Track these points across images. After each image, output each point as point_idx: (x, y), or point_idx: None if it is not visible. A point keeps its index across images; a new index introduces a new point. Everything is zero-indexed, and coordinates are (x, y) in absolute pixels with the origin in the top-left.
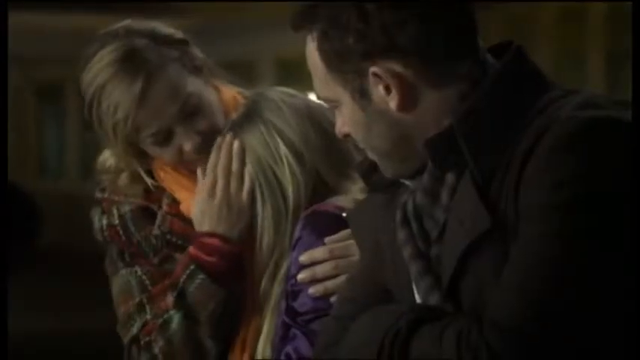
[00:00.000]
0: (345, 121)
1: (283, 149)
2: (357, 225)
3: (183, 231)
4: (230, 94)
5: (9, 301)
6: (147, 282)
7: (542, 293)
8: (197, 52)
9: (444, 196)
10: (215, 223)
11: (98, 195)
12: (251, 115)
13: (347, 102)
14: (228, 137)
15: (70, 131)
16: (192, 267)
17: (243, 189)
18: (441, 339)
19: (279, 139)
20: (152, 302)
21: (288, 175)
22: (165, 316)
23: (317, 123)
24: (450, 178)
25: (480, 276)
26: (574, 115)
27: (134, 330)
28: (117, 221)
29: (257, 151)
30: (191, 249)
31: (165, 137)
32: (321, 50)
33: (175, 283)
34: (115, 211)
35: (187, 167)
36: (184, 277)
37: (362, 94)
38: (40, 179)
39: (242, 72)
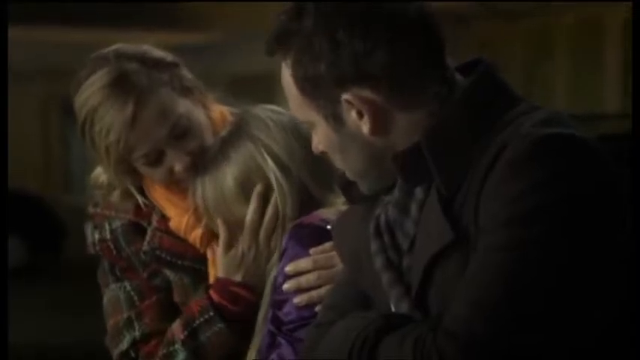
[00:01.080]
0: (321, 141)
1: (271, 165)
2: (339, 235)
3: (171, 247)
4: (218, 111)
5: (9, 306)
6: (135, 298)
7: (491, 304)
8: (187, 72)
9: (414, 210)
10: (250, 275)
11: (91, 209)
12: (239, 132)
13: (321, 125)
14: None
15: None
16: (211, 313)
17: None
18: (401, 346)
19: (266, 155)
20: (140, 319)
21: (276, 190)
22: (171, 348)
23: (302, 138)
24: (419, 192)
25: (446, 286)
26: (531, 132)
27: (124, 345)
28: (108, 236)
29: (246, 168)
30: (213, 295)
31: (156, 158)
32: (295, 76)
33: (189, 321)
34: (106, 226)
35: (177, 185)
36: (201, 320)
37: (335, 119)
38: (65, 194)
39: (262, 86)
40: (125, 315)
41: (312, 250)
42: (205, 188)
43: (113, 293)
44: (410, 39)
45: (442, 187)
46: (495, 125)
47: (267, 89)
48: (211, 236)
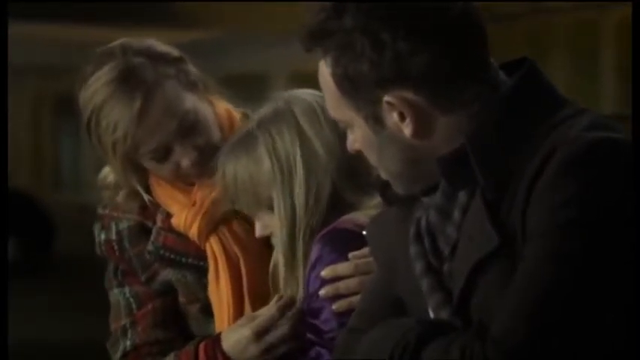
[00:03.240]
0: (357, 139)
1: (298, 155)
2: (373, 238)
3: (175, 245)
4: (223, 108)
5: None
6: (133, 305)
7: (535, 314)
8: (192, 68)
9: (456, 214)
10: (238, 355)
11: (99, 211)
12: (281, 113)
13: (360, 125)
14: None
15: (86, 143)
16: None
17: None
18: (446, 354)
19: (297, 143)
20: (134, 328)
21: (299, 180)
22: None
23: (340, 133)
24: (462, 196)
25: (489, 292)
26: (581, 136)
27: (118, 355)
28: (114, 236)
29: (278, 153)
30: (201, 353)
31: (163, 154)
32: (335, 75)
33: None
34: (113, 227)
35: (183, 181)
36: None
37: (375, 120)
38: (55, 192)
39: (256, 85)
40: (122, 323)
41: (351, 255)
42: (237, 166)
43: (115, 298)
44: (454, 39)
45: (487, 190)
46: (541, 127)
47: (259, 89)
48: (209, 231)
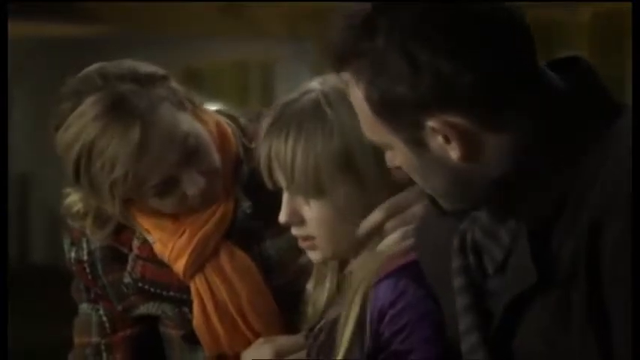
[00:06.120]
0: (397, 158)
1: (339, 154)
2: (421, 235)
3: (156, 277)
4: (213, 123)
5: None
6: (107, 325)
7: None
8: (176, 85)
9: (505, 237)
10: None
11: (69, 223)
12: (318, 111)
13: (400, 148)
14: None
15: None
16: None
17: None
18: None
19: (338, 145)
20: (111, 352)
21: (372, 175)
22: None
23: None
24: (511, 220)
25: (532, 327)
26: None
27: None
28: (85, 257)
29: (348, 136)
30: None
31: (168, 187)
32: (369, 99)
33: None
34: (84, 245)
35: (185, 212)
36: None
37: (417, 144)
38: None
39: None
40: (94, 340)
41: None
42: (301, 135)
43: (85, 312)
44: (501, 51)
45: (530, 221)
46: (597, 144)
47: None
48: (195, 270)
